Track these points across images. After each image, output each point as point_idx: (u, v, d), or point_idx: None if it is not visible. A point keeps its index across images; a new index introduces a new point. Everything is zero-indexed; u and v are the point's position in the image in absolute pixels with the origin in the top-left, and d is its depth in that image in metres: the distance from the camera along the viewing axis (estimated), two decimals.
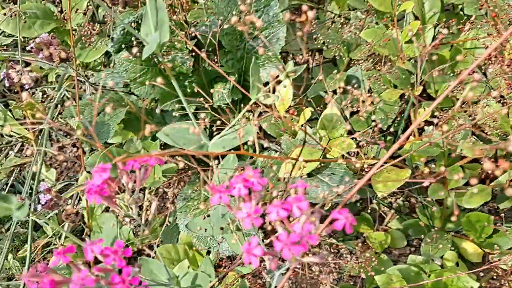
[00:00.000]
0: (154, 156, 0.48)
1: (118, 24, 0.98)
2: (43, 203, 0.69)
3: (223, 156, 0.82)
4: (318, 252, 1.17)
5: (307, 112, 0.90)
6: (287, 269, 0.49)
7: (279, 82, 0.64)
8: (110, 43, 0.99)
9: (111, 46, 0.99)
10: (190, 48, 1.04)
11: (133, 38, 0.98)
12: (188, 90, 1.15)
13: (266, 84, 1.22)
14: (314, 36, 1.39)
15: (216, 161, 0.89)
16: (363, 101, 1.06)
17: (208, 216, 0.65)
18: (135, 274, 0.40)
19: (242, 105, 1.22)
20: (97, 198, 0.46)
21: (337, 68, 1.37)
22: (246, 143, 1.06)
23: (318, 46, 1.36)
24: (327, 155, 0.96)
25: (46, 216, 0.89)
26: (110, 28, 1.04)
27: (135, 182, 0.49)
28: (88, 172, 1.01)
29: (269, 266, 0.48)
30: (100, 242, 0.41)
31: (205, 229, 0.64)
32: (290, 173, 0.72)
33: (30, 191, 1.34)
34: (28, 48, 0.83)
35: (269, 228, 0.62)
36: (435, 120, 0.90)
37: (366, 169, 0.96)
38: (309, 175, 0.98)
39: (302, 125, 0.99)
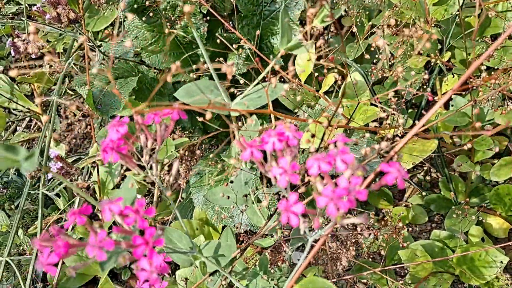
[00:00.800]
0: (176, 109, 0.43)
1: None
2: (54, 170, 0.65)
3: (240, 127, 0.77)
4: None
5: (330, 78, 0.85)
6: (310, 248, 0.45)
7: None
8: (120, 8, 0.93)
9: (122, 11, 0.93)
10: (205, 12, 0.98)
11: (146, 3, 0.93)
12: (202, 60, 1.10)
13: (282, 57, 1.17)
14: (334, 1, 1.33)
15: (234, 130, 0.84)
16: (387, 69, 1.01)
17: (232, 182, 0.60)
18: (158, 237, 0.36)
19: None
20: (114, 155, 0.42)
21: (352, 38, 1.30)
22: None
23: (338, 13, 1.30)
24: (351, 125, 0.91)
25: (57, 189, 0.85)
26: None
27: (154, 140, 0.45)
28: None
29: (303, 230, 0.43)
30: (119, 201, 0.37)
31: (228, 196, 0.60)
32: (322, 141, 0.67)
33: (40, 167, 1.31)
34: (34, 8, 0.78)
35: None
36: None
37: (391, 140, 0.91)
38: None
39: (324, 93, 0.93)
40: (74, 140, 1.42)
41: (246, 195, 0.60)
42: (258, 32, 0.82)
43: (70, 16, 0.74)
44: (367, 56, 1.04)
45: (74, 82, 0.91)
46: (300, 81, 0.90)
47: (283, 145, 0.40)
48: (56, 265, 0.39)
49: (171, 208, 1.20)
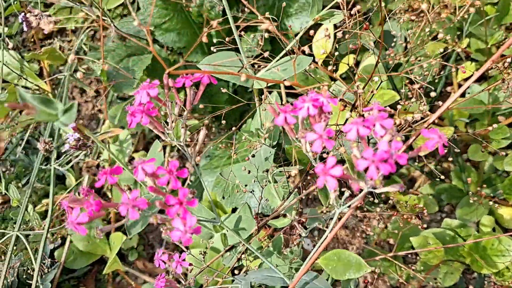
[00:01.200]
0: (207, 74, 0.42)
1: None
2: (71, 141, 0.64)
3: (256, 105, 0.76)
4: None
5: (350, 58, 0.84)
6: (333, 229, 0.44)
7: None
8: None
9: None
10: None
11: None
12: (214, 41, 1.08)
13: (297, 35, 1.15)
14: None
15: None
16: (403, 55, 0.99)
17: (253, 156, 0.59)
18: (191, 198, 0.35)
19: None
20: (144, 118, 0.41)
21: (370, 23, 1.29)
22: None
23: None
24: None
25: (68, 164, 0.84)
26: None
27: (184, 104, 0.44)
28: (122, 127, 0.95)
29: (333, 199, 0.42)
30: (152, 161, 0.36)
31: (249, 171, 0.59)
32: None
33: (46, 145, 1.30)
34: None
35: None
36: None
37: (407, 126, 0.90)
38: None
39: (340, 76, 0.92)
40: (81, 121, 1.41)
41: (267, 170, 0.59)
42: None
43: None
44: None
45: (88, 57, 0.90)
46: (316, 63, 0.89)
47: (317, 111, 0.39)
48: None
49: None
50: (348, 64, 0.95)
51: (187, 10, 1.00)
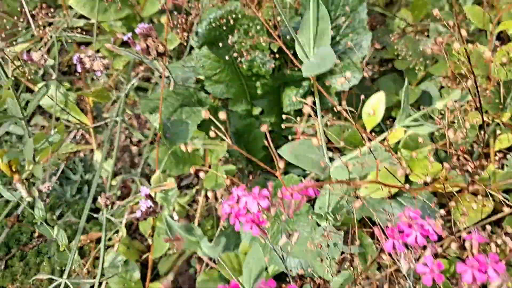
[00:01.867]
0: (312, 186, 0.44)
1: (204, 18, 0.93)
2: (143, 209, 0.66)
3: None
4: None
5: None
6: None
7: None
8: (194, 38, 0.94)
9: (196, 42, 0.94)
10: (275, 50, 0.99)
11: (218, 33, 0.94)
12: (259, 92, 1.11)
13: (338, 93, 1.18)
14: (383, 45, 1.35)
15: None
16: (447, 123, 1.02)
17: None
18: None
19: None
20: (254, 228, 0.42)
21: (401, 79, 1.31)
22: None
23: (389, 55, 1.31)
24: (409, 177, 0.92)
25: (122, 217, 0.86)
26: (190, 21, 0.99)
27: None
28: (163, 171, 0.97)
29: None
30: None
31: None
32: None
33: (81, 179, 1.31)
34: (125, 38, 0.79)
35: None
36: None
37: (449, 195, 0.92)
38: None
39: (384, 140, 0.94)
40: (122, 156, 1.42)
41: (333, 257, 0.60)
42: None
43: (159, 49, 0.75)
44: None
45: (142, 107, 0.92)
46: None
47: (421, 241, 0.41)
48: None
49: (209, 233, 1.21)
50: None
51: (238, 64, 1.02)
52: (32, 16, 1.27)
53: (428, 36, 1.24)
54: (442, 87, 1.18)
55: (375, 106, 0.93)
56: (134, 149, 1.41)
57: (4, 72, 0.90)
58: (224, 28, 0.95)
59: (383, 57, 1.35)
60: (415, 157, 0.93)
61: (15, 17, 1.21)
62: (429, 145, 0.94)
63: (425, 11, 1.29)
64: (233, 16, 0.93)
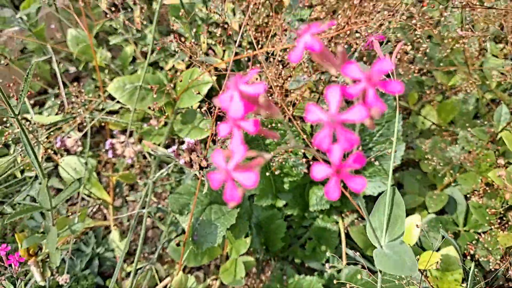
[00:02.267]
0: None
1: None
2: None
3: None
4: None
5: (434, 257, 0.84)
6: None
7: None
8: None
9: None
10: (309, 156, 0.99)
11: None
12: (285, 187, 1.10)
13: (368, 198, 1.16)
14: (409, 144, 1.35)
15: None
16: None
17: None
18: None
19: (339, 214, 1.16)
20: None
21: (425, 179, 1.30)
22: None
23: (416, 157, 1.31)
24: None
25: None
26: None
27: None
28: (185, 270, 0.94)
29: None
30: None
31: None
32: None
33: (92, 251, 1.27)
34: (169, 150, 0.78)
35: None
36: None
37: None
38: None
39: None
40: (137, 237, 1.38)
41: None
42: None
43: (202, 163, 0.74)
44: None
45: (171, 204, 0.90)
46: None
47: None
48: None
49: None
50: None
51: (269, 163, 1.01)
52: (64, 84, 1.28)
53: (456, 141, 1.24)
54: (468, 195, 1.17)
55: (408, 228, 0.92)
56: (148, 220, 1.38)
57: (31, 147, 0.86)
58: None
59: (410, 157, 1.34)
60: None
61: (43, 80, 1.21)
62: (459, 269, 0.92)
63: (452, 116, 1.30)
64: (271, 121, 0.94)
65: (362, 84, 0.31)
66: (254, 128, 0.35)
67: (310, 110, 0.31)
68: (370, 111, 0.31)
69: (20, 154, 0.96)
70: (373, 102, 0.30)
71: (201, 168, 0.75)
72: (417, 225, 0.88)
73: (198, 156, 0.74)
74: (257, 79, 0.92)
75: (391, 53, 0.85)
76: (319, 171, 0.32)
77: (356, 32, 0.78)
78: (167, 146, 1.36)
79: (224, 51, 1.20)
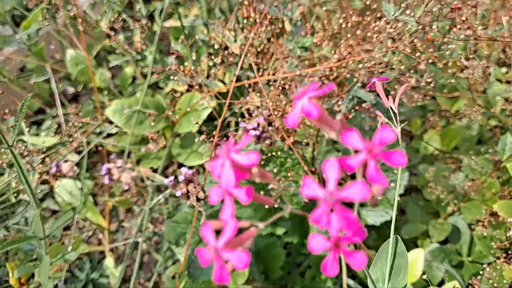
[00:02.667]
0: None
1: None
2: None
3: None
4: None
5: None
6: None
7: None
8: None
9: None
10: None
11: None
12: (286, 216, 1.07)
13: (370, 228, 1.14)
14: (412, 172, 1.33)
15: None
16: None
17: None
18: None
19: None
20: None
21: (428, 207, 1.28)
22: None
23: (419, 183, 1.29)
24: None
25: None
26: None
27: None
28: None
29: None
30: None
31: None
32: None
33: (86, 277, 1.24)
34: (166, 181, 0.76)
35: None
36: None
37: None
38: None
39: None
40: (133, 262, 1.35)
41: None
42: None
43: (199, 195, 0.72)
44: None
45: (167, 234, 0.87)
46: None
47: None
48: None
49: None
50: None
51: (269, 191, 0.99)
52: (62, 104, 1.26)
53: (460, 168, 1.22)
54: (471, 225, 1.14)
55: (413, 260, 0.89)
56: (144, 245, 1.35)
57: (25, 176, 0.84)
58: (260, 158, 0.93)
59: (413, 184, 1.32)
60: None
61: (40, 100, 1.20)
62: None
63: (456, 142, 1.28)
64: (272, 150, 0.92)
65: (362, 155, 0.29)
66: (247, 197, 0.32)
67: (307, 184, 0.29)
68: (371, 187, 0.29)
69: (15, 179, 0.94)
70: (374, 176, 0.28)
71: (198, 199, 0.73)
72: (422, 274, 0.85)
73: (195, 187, 0.72)
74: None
75: (391, 91, 0.83)
76: (316, 244, 0.29)
77: (359, 62, 0.76)
78: (165, 167, 1.34)
79: (224, 73, 1.18)
